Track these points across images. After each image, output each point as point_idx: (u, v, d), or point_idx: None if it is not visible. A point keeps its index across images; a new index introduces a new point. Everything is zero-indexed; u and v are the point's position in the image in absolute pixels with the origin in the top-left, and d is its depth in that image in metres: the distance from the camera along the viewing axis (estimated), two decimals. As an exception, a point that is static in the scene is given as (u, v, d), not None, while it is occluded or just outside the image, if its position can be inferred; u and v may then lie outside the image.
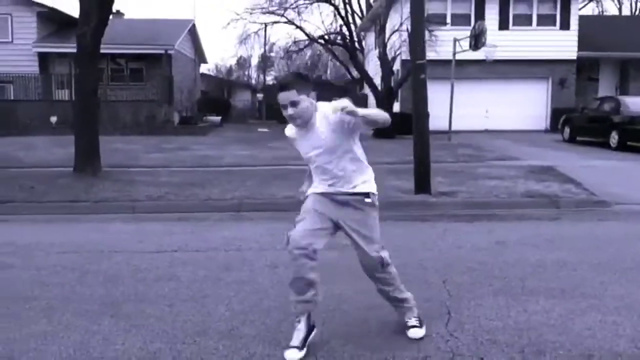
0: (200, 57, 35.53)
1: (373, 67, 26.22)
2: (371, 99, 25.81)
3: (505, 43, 20.69)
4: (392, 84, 21.69)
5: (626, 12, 42.39)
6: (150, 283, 4.81)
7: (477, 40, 17.60)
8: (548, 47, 23.23)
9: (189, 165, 12.58)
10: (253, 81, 54.63)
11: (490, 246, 6.05)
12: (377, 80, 23.39)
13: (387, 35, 21.66)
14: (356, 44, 24.17)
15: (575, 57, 23.79)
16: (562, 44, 23.52)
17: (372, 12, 24.99)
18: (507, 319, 3.95)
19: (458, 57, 18.67)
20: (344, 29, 24.04)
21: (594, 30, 24.30)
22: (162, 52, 25.62)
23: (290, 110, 3.28)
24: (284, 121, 3.53)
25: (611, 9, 47.62)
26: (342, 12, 24.69)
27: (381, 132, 20.35)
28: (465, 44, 18.11)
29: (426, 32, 10.97)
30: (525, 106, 23.89)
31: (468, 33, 18.30)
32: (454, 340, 3.59)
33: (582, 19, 24.96)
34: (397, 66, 23.20)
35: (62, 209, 8.17)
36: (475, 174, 10.89)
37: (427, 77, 8.99)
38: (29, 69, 24.71)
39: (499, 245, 6.07)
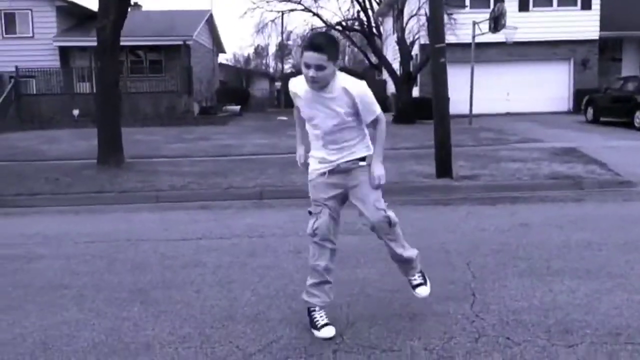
0: (218, 47, 35.62)
1: (391, 53, 26.07)
2: (390, 84, 25.69)
3: (525, 24, 20.45)
4: (411, 69, 21.56)
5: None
6: (177, 270, 4.89)
7: (496, 23, 17.39)
8: (569, 28, 22.88)
9: (210, 155, 12.67)
10: (271, 70, 54.67)
11: (513, 228, 6.03)
12: (396, 66, 23.26)
13: (405, 20, 21.49)
14: (374, 30, 24.00)
15: (597, 37, 23.41)
16: (584, 24, 23.15)
17: (390, -3, 24.81)
18: (533, 299, 3.95)
19: (477, 40, 18.48)
20: (362, 14, 23.88)
21: (616, 10, 23.83)
22: (181, 42, 25.73)
23: (313, 72, 3.19)
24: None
25: (634, -13, 46.58)
26: (359, -2, 24.55)
27: (401, 118, 20.32)
28: (485, 26, 17.91)
29: (445, 16, 10.88)
30: (547, 88, 23.60)
31: (487, 15, 18.10)
32: (479, 321, 3.60)
33: (604, -3, 24.54)
34: (415, 51, 23.04)
35: (88, 200, 8.31)
36: (498, 157, 10.82)
37: (446, 60, 8.93)
38: (50, 63, 25.01)
39: (523, 227, 6.04)
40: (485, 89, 21.11)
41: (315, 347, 3.31)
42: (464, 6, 22.25)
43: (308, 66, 3.20)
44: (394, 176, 9.09)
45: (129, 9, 11.66)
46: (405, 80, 21.20)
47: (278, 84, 39.30)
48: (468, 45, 18.48)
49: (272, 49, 53.71)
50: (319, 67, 3.18)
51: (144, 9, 32.95)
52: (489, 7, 20.63)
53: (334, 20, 24.49)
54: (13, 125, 21.33)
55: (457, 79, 15.91)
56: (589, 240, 5.39)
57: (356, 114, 3.36)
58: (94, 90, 19.31)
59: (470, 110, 18.48)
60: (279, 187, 8.63)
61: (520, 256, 4.97)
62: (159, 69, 26.38)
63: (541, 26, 22.49)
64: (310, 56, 3.17)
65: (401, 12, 21.46)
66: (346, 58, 48.45)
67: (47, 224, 7.04)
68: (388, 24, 28.41)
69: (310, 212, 3.55)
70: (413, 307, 3.87)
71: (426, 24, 18.98)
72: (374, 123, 3.40)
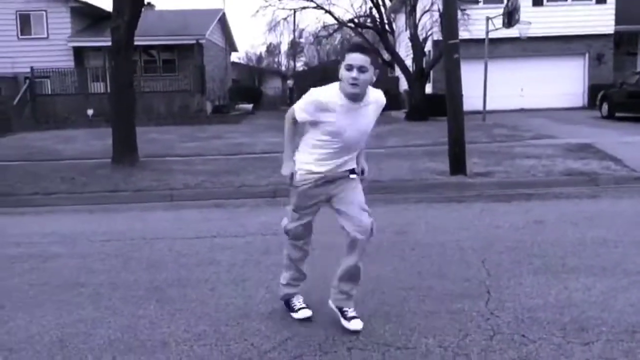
0: (231, 46, 35.72)
1: (404, 49, 25.97)
2: (402, 81, 25.61)
3: (539, 19, 20.28)
4: (424, 65, 21.47)
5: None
6: (192, 268, 4.92)
7: (510, 18, 17.26)
8: (584, 22, 22.66)
9: (223, 153, 12.72)
10: (283, 68, 54.67)
11: (528, 225, 5.99)
12: (408, 62, 23.17)
13: (418, 16, 21.40)
14: (386, 26, 23.88)
15: (612, 32, 23.16)
16: (599, 19, 22.91)
17: (402, -6, 24.72)
18: (548, 296, 3.93)
19: (491, 35, 18.36)
20: (374, 11, 23.80)
21: (631, 3, 23.55)
22: (194, 42, 25.82)
23: (355, 74, 3.18)
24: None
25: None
26: (372, -6, 24.47)
27: (413, 115, 20.26)
28: (498, 21, 17.78)
29: (458, 11, 10.81)
30: (561, 83, 23.40)
31: (501, 10, 17.95)
32: (494, 319, 3.59)
33: (619, -9, 24.27)
34: (428, 47, 22.94)
35: (103, 198, 8.38)
36: (512, 154, 10.75)
37: (460, 57, 8.89)
38: (65, 64, 25.20)
39: (538, 224, 6.01)
40: (499, 85, 20.96)
41: (330, 345, 3.32)
42: (477, 1, 22.12)
43: (351, 68, 3.20)
44: (407, 173, 9.09)
45: (143, 9, 11.72)
46: (418, 77, 21.12)
47: (290, 82, 39.31)
48: (482, 41, 18.37)
49: (284, 47, 53.73)
50: (362, 69, 3.19)
51: (157, 8, 33.12)
52: (502, 2, 20.42)
53: (346, 17, 24.46)
54: (28, 125, 21.53)
55: (470, 75, 15.79)
56: (604, 237, 5.35)
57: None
58: (108, 90, 19.42)
59: (484, 106, 18.37)
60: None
61: (535, 253, 4.94)
62: (172, 68, 26.50)
63: (555, 21, 22.30)
64: (355, 57, 3.20)
65: (414, 8, 21.37)
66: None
67: (62, 222, 7.11)
68: (400, 21, 28.31)
69: (284, 206, 3.72)
70: (428, 304, 3.87)
71: (439, 20, 18.89)
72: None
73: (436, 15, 19.78)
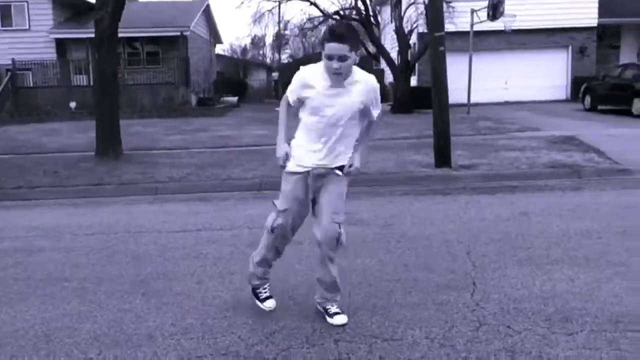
0: (216, 38, 35.47)
1: (389, 42, 25.99)
2: (388, 74, 25.63)
3: (523, 12, 20.36)
4: (409, 58, 21.50)
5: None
6: (178, 261, 4.90)
7: (495, 10, 17.34)
8: (567, 15, 22.82)
9: (208, 146, 12.66)
10: (268, 60, 54.50)
11: (513, 217, 6.04)
12: (394, 55, 23.19)
13: (403, 9, 21.41)
14: (372, 19, 23.86)
15: (595, 25, 23.36)
16: (582, 12, 23.09)
17: (387, -14, 24.72)
18: (532, 287, 3.97)
19: (476, 28, 18.43)
20: (359, 3, 23.75)
21: (614, -4, 23.79)
22: (178, 34, 25.62)
23: (336, 64, 3.16)
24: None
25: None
26: (357, -13, 24.41)
27: (399, 107, 20.29)
28: (483, 14, 17.86)
29: (443, 4, 10.83)
30: (545, 76, 23.57)
31: (486, 3, 18.02)
32: (480, 310, 3.62)
33: (602, -16, 24.45)
34: (413, 39, 22.97)
35: (87, 192, 8.31)
36: (496, 146, 10.82)
37: (445, 49, 8.91)
38: (47, 56, 24.89)
39: (522, 216, 6.06)
40: (484, 77, 21.06)
41: (317, 337, 3.33)
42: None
43: (331, 58, 3.17)
44: (393, 166, 9.12)
45: (126, 0, 11.61)
46: (403, 70, 21.15)
47: (275, 75, 39.20)
48: (466, 33, 18.43)
49: (269, 39, 53.53)
50: (342, 58, 3.16)
51: (140, 0, 32.79)
52: (487, -5, 20.54)
53: (331, 9, 24.36)
54: (11, 118, 21.29)
55: (455, 67, 15.85)
56: (588, 229, 5.41)
57: (364, 110, 3.39)
58: (91, 83, 19.24)
59: (469, 99, 18.46)
60: (278, 178, 8.54)
61: (519, 245, 4.98)
62: (157, 61, 26.27)
63: (539, 14, 22.42)
64: (333, 47, 3.15)
65: (399, 0, 21.37)
66: (344, 48, 48.23)
67: (47, 216, 7.04)
68: (386, 13, 28.30)
69: (274, 204, 3.56)
70: (414, 296, 3.89)
71: (424, 13, 18.91)
72: (371, 123, 3.52)
73: (421, 7, 19.78)
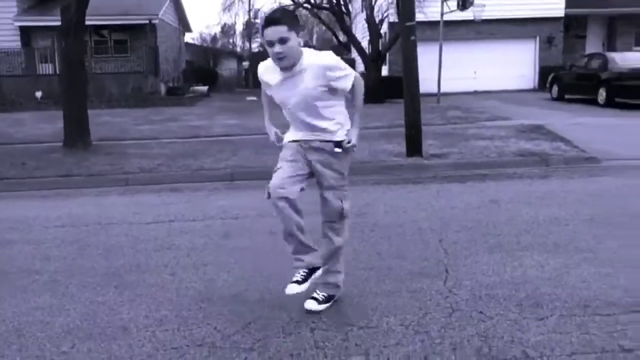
0: (185, 26, 35.04)
1: (360, 31, 26.01)
2: (359, 63, 25.66)
3: (493, 2, 20.55)
4: (380, 48, 21.54)
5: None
6: (150, 253, 4.86)
7: (464, 0, 17.47)
8: (535, 6, 23.12)
9: (179, 136, 12.54)
10: (238, 49, 54.03)
11: (483, 205, 6.13)
12: (365, 44, 23.21)
13: (373, -2, 21.43)
14: (343, 8, 23.84)
15: (562, 15, 23.72)
16: (550, 2, 23.41)
17: (357, -25, 24.69)
18: (504, 274, 4.05)
19: (446, 18, 18.54)
20: (330, -8, 23.71)
21: (581, -13, 24.17)
22: (146, 22, 25.22)
23: (278, 48, 3.08)
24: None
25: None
26: (327, -25, 24.33)
27: (370, 97, 20.33)
28: (453, 4, 17.98)
29: (414, -6, 10.86)
30: (513, 66, 23.87)
31: (455, -7, 18.16)
32: (452, 297, 3.68)
33: (569, -25, 24.80)
34: (384, 29, 23.01)
35: (56, 183, 8.16)
36: (466, 135, 10.95)
37: (416, 39, 8.96)
38: (11, 44, 24.27)
39: (492, 204, 6.15)
40: (453, 67, 21.24)
41: (293, 326, 3.35)
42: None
43: (271, 43, 3.10)
44: (365, 155, 9.15)
45: (93, -13, 11.38)
46: (374, 59, 21.19)
47: (246, 64, 38.91)
48: (437, 23, 18.54)
49: (239, 28, 53.07)
50: (282, 40, 3.07)
51: (107, -13, 32.13)
52: (456, -15, 20.66)
53: (301, -2, 24.23)
54: (-26, 108, 20.74)
55: (425, 57, 15.95)
56: (556, 216, 5.52)
57: (331, 89, 3.26)
58: (58, 72, 18.83)
59: (439, 88, 18.61)
60: (251, 168, 8.59)
61: (490, 232, 5.07)
62: (124, 49, 25.84)
63: (508, 4, 22.66)
64: (270, 31, 3.08)
65: (370, -11, 21.37)
66: (314, 37, 48.18)
67: (15, 208, 6.91)
68: (357, 2, 28.27)
69: (269, 194, 3.33)
70: (388, 284, 3.94)
71: (395, 2, 18.95)
72: (353, 88, 3.35)
73: (392, -3, 19.83)
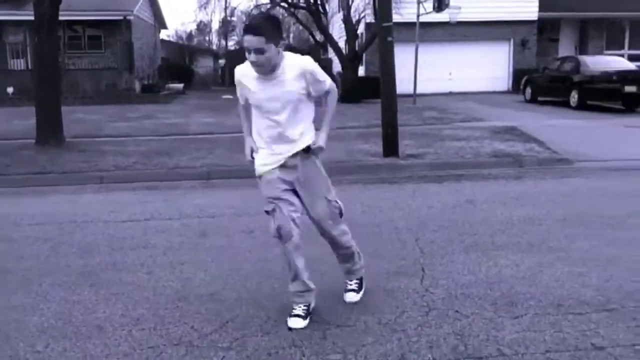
0: (160, 23, 34.69)
1: (337, 31, 26.04)
2: (336, 63, 25.71)
3: (468, 4, 20.76)
4: (357, 48, 21.60)
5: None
6: (127, 251, 4.81)
7: (440, 2, 17.63)
8: (509, 9, 23.38)
9: (155, 134, 12.42)
10: (214, 47, 53.68)
11: (459, 205, 6.20)
12: (342, 44, 23.25)
13: (350, -2, 21.47)
14: (319, 7, 23.85)
15: (536, 18, 24.03)
16: (523, 5, 23.70)
17: (335, -25, 24.73)
18: (479, 273, 4.10)
19: (422, 19, 18.67)
20: (307, -9, 23.70)
21: (554, -9, 24.52)
22: (121, 18, 24.89)
23: (253, 57, 3.10)
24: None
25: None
26: (305, -26, 24.30)
27: (347, 97, 20.40)
28: (429, 5, 18.12)
29: (391, -5, 10.91)
30: (487, 68, 24.12)
31: (431, -5, 18.28)
32: (429, 295, 3.72)
33: (543, -21, 25.14)
34: (361, 29, 23.07)
35: (28, 181, 8.03)
36: (442, 136, 11.05)
37: (394, 39, 9.01)
38: (-19, 39, 23.81)
39: (468, 204, 6.23)
40: (429, 68, 21.38)
41: (271, 325, 3.35)
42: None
43: (248, 50, 3.11)
44: (342, 155, 9.18)
45: (67, -18, 11.23)
46: (351, 59, 21.23)
47: (222, 61, 38.68)
48: (413, 24, 18.65)
49: (215, 26, 52.75)
50: (259, 51, 3.07)
51: (81, -18, 31.66)
52: (433, -14, 20.80)
53: (279, -4, 24.19)
54: (-58, 103, 20.28)
55: (401, 58, 16.00)
56: (530, 216, 5.61)
57: (308, 93, 3.29)
58: (30, 67, 18.54)
59: (415, 89, 18.72)
60: (227, 166, 8.56)
61: (466, 232, 5.13)
62: (99, 45, 25.48)
63: (483, 7, 22.89)
64: (249, 40, 3.09)
65: (347, -11, 21.41)
66: (291, 36, 48.08)
67: (-15, 206, 6.79)
68: (334, 2, 28.30)
69: (267, 212, 3.36)
70: (365, 283, 3.95)
71: (372, 3, 19.03)
72: (326, 94, 3.38)
73: (369, -3, 19.90)
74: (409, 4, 19.42)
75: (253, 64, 3.15)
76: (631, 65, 17.18)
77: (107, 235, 5.33)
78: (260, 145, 3.39)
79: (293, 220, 3.31)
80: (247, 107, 3.46)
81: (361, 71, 22.71)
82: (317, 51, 32.47)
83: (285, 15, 26.29)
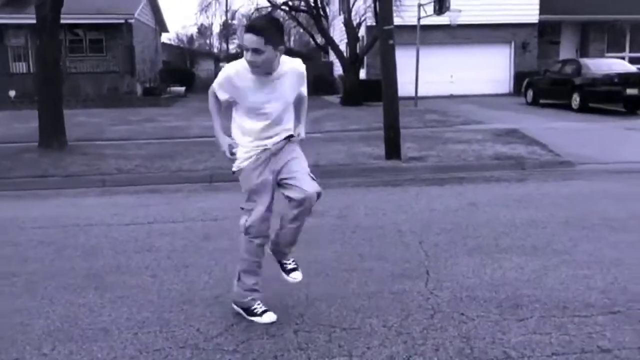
0: (161, 26, 34.76)
1: (338, 34, 26.06)
2: (337, 66, 25.74)
3: (469, 7, 20.77)
4: (358, 51, 21.62)
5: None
6: (131, 255, 4.82)
7: (441, 5, 17.62)
8: (510, 11, 23.40)
9: (157, 137, 12.43)
10: (215, 50, 53.75)
11: (462, 207, 6.20)
12: (343, 47, 23.27)
13: (352, 1, 21.50)
14: (320, 10, 23.87)
15: (537, 21, 24.05)
16: (524, 8, 23.71)
17: (336, -22, 24.77)
18: (484, 275, 4.10)
19: (423, 22, 18.69)
20: (308, -6, 23.72)
21: (554, -6, 24.54)
22: (122, 21, 24.94)
23: (250, 56, 3.08)
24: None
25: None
26: (305, -22, 24.34)
27: (348, 100, 20.43)
28: (430, 8, 18.14)
29: (392, -2, 10.92)
30: (489, 70, 24.13)
31: (432, -2, 18.30)
32: (434, 298, 3.72)
33: (544, -18, 25.16)
34: (362, 32, 23.10)
35: (31, 184, 8.04)
36: (444, 139, 11.05)
37: (395, 42, 9.02)
38: (-17, 42, 23.84)
39: (471, 207, 6.23)
40: (430, 71, 21.37)
41: (276, 328, 3.35)
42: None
43: (246, 49, 3.12)
44: (344, 158, 9.20)
45: (69, -14, 11.24)
46: (352, 62, 21.25)
47: (223, 65, 38.68)
48: (414, 27, 18.67)
49: (216, 29, 52.82)
50: (256, 51, 3.07)
51: (82, -15, 31.72)
52: (433, -11, 20.83)
53: None
54: (-56, 106, 20.28)
55: (402, 60, 15.99)
56: (533, 219, 5.61)
57: (297, 94, 3.41)
58: (32, 70, 18.56)
59: (416, 92, 18.73)
60: (230, 169, 8.54)
61: (469, 234, 5.13)
62: (100, 49, 25.53)
63: (484, 9, 22.91)
64: (248, 38, 3.09)
65: (347, -7, 21.44)
66: (292, 39, 48.12)
67: (-11, 209, 6.79)
68: (335, 5, 28.36)
69: (242, 209, 3.41)
70: (370, 285, 3.96)
71: (373, 6, 19.06)
72: (303, 95, 3.49)
73: (369, 0, 19.92)
74: (410, 7, 19.44)
75: (250, 63, 3.13)
76: (632, 68, 17.17)
77: (110, 238, 5.34)
78: (242, 142, 3.37)
79: (267, 220, 3.39)
80: (228, 106, 3.41)
81: (362, 74, 22.73)
82: (317, 54, 32.54)
83: (286, 18, 26.31)
